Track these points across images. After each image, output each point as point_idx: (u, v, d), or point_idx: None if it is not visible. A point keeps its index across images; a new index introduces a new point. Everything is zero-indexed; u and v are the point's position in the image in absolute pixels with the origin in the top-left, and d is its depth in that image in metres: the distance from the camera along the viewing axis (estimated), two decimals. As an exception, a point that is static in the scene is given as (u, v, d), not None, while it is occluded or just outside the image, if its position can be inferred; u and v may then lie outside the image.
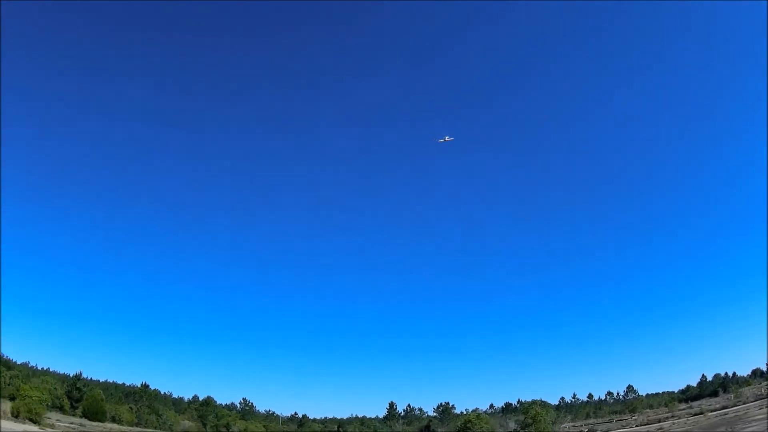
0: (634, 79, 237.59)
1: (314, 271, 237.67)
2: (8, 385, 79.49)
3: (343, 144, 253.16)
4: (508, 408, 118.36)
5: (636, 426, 74.17)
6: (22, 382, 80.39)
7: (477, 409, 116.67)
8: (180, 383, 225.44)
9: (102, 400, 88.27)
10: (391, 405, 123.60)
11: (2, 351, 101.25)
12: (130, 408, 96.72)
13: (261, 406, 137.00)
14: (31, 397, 68.65)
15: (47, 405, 74.46)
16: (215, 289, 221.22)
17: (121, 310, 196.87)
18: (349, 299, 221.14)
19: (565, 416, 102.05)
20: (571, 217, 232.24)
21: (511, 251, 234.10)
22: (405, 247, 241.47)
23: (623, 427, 76.42)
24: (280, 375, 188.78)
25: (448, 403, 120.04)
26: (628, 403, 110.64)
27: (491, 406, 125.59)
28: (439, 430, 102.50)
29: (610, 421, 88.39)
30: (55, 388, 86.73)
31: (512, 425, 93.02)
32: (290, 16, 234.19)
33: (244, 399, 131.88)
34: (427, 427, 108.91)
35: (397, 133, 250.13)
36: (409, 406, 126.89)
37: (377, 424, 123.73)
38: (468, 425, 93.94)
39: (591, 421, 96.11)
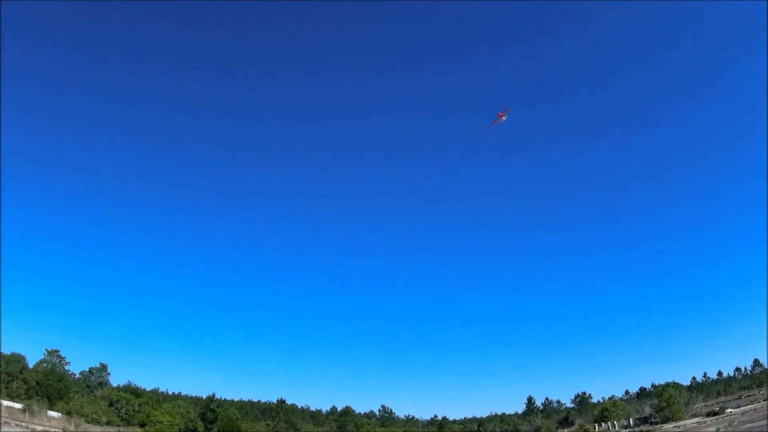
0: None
1: (448, 271, 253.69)
2: (137, 411, 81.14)
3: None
4: (642, 393, 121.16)
5: (764, 401, 78.04)
6: (152, 408, 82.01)
7: (613, 396, 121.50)
8: (318, 396, 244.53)
9: (237, 419, 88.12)
10: (530, 399, 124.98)
11: (109, 378, 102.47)
12: (267, 425, 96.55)
13: (400, 412, 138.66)
14: (162, 422, 70.39)
15: (180, 429, 75.54)
16: (347, 299, 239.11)
17: (254, 330, 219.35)
18: (483, 297, 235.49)
19: (697, 396, 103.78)
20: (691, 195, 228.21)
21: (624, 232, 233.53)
22: (537, 241, 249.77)
23: (752, 402, 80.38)
24: (419, 379, 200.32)
25: (584, 393, 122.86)
26: (755, 377, 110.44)
27: (626, 392, 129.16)
28: (577, 420, 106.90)
29: (740, 398, 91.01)
30: (187, 411, 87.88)
31: (647, 410, 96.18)
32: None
33: (383, 406, 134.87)
34: (566, 418, 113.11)
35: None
36: (547, 399, 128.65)
37: (516, 420, 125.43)
38: (605, 413, 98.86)
39: (722, 398, 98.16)
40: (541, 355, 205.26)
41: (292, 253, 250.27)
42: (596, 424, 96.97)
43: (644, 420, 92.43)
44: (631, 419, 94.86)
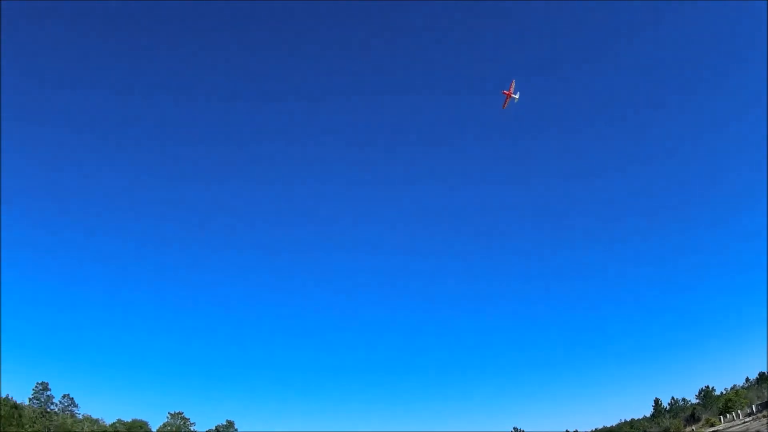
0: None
1: (560, 283, 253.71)
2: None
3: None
4: (761, 377, 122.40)
5: None
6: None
7: (735, 386, 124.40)
8: (449, 420, 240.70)
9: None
10: (656, 401, 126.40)
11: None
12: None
13: (531, 429, 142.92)
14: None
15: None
16: (472, 325, 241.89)
17: (375, 368, 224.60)
18: (599, 308, 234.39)
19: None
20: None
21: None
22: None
23: None
24: (548, 393, 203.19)
25: (708, 387, 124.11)
26: None
27: (746, 379, 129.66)
28: (703, 415, 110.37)
29: None
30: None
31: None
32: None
33: (515, 428, 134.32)
34: (692, 415, 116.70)
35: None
36: (672, 398, 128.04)
37: (645, 423, 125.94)
38: (728, 404, 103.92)
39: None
40: (664, 354, 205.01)
41: (394, 285, 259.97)
42: (721, 416, 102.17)
43: (766, 405, 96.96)
44: (753, 406, 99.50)
